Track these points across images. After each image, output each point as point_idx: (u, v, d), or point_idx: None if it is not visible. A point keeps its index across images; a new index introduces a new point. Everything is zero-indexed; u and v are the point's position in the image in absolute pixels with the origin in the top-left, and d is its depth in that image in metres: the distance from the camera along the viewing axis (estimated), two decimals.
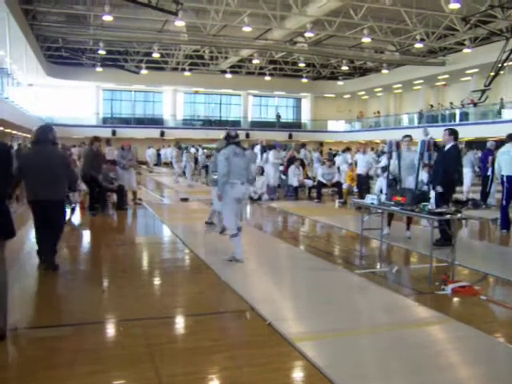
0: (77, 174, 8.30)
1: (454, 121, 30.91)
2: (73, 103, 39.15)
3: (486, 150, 14.29)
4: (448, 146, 8.13)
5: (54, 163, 6.18)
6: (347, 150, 19.04)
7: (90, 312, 4.95)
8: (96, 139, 11.15)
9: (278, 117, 44.10)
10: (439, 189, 7.85)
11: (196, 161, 26.08)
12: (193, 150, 26.87)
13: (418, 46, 27.92)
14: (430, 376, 3.59)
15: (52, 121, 33.94)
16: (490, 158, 12.90)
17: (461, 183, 11.84)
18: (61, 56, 33.54)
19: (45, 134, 6.27)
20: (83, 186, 11.74)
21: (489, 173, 13.27)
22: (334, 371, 3.57)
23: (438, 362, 3.81)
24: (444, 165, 7.93)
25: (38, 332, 4.39)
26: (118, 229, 10.57)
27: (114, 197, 12.62)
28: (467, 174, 13.78)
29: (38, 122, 31.08)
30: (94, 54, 33.83)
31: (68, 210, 9.74)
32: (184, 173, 21.40)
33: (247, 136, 38.66)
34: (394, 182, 7.79)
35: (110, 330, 4.60)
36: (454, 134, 8.16)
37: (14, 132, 28.97)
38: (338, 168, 16.82)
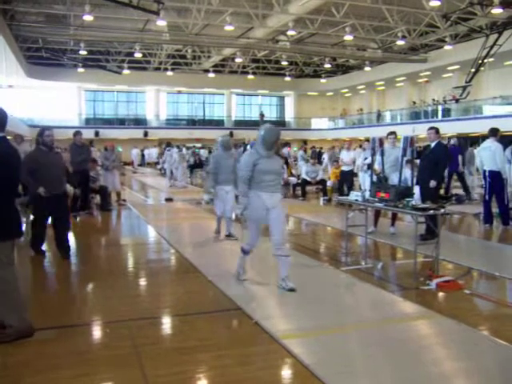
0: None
1: (437, 117, 31.19)
2: (55, 104, 38.73)
3: (451, 145, 14.35)
4: (434, 143, 8.33)
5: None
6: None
7: (75, 314, 4.91)
8: (77, 133, 11.32)
9: (262, 115, 44.03)
10: (433, 183, 7.95)
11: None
12: (175, 150, 26.65)
13: (400, 43, 28.14)
14: (416, 371, 3.61)
15: (33, 122, 33.55)
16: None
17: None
18: (41, 57, 33.13)
19: (36, 138, 7.47)
20: (68, 189, 11.53)
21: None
22: (321, 368, 3.58)
23: (424, 356, 3.83)
24: (435, 160, 8.12)
25: None
26: (102, 230, 10.47)
27: (98, 198, 12.50)
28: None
29: (20, 124, 30.81)
30: (75, 55, 33.50)
31: None
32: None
33: (231, 135, 38.57)
34: (383, 179, 7.81)
35: (96, 331, 4.55)
36: (438, 132, 8.45)
37: None
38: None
